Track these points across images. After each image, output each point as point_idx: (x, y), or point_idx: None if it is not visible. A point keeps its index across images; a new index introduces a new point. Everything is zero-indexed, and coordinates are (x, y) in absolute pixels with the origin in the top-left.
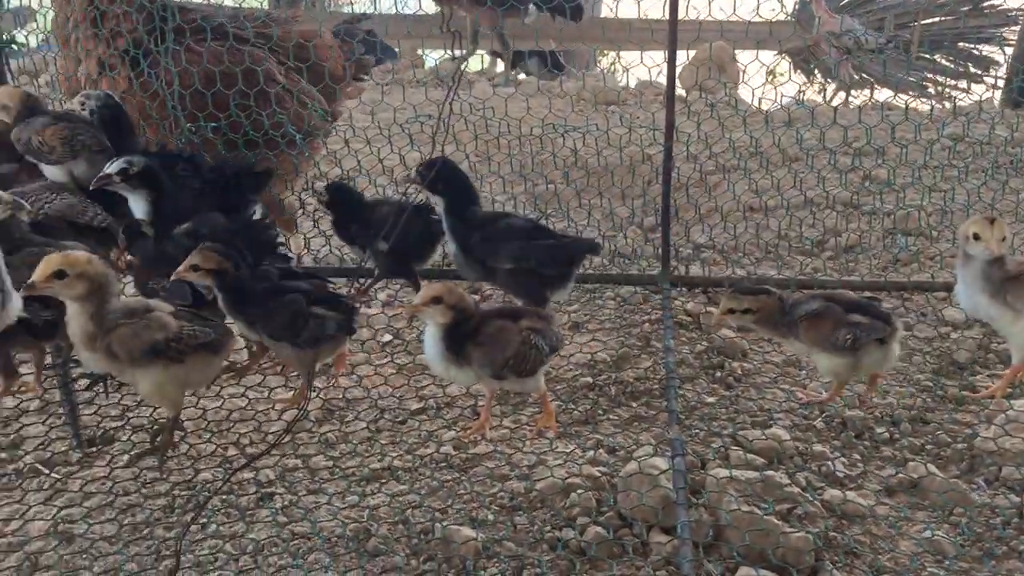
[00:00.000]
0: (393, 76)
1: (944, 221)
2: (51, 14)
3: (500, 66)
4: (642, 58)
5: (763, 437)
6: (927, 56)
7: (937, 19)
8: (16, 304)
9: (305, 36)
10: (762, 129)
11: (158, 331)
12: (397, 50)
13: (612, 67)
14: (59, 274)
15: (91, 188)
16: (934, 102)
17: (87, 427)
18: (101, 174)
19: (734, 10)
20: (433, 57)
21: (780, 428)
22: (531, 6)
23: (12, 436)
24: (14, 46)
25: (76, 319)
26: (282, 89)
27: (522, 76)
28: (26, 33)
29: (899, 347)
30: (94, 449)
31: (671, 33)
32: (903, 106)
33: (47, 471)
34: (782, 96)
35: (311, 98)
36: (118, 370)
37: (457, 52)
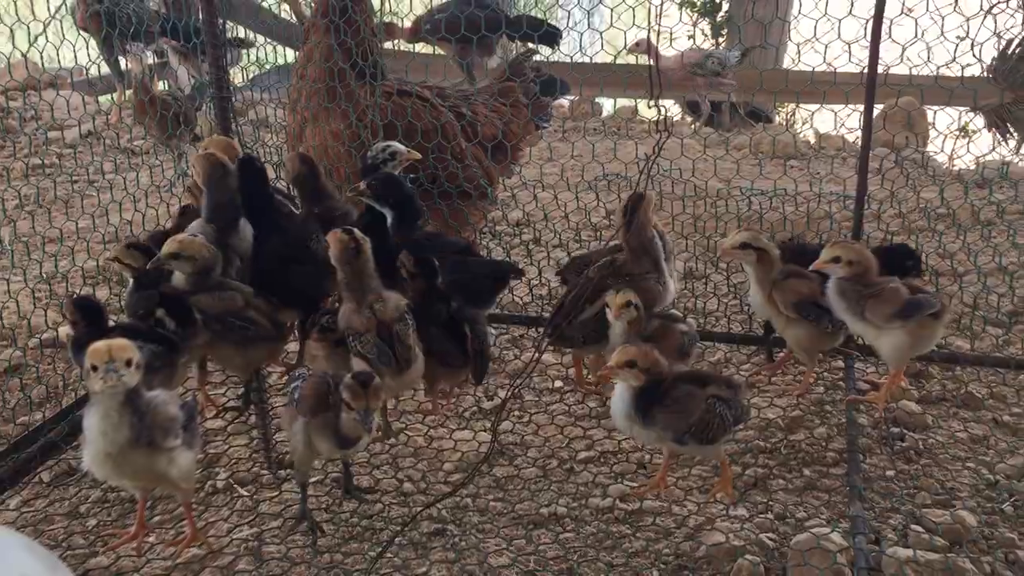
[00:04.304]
0: (572, 122)
1: None
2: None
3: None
4: (835, 117)
5: (946, 517)
6: None
7: None
8: None
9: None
10: (953, 189)
11: None
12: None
13: (791, 119)
14: None
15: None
16: None
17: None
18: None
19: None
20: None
21: (965, 509)
22: (504, 37)
23: (211, 454)
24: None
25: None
26: (474, 146)
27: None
28: (235, 72)
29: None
30: (284, 472)
31: (868, 94)
32: None
33: (242, 490)
34: (981, 157)
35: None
36: None
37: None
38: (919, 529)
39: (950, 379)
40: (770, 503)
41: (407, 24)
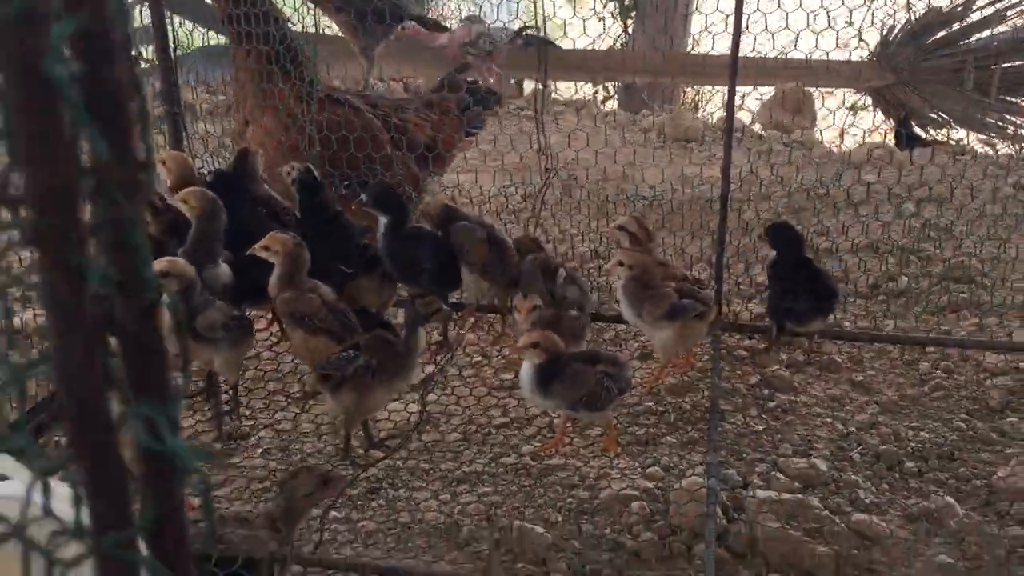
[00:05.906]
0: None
1: (996, 270)
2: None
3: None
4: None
5: (802, 465)
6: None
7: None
8: None
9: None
10: (836, 170)
11: None
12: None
13: (694, 101)
14: None
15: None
16: (1007, 145)
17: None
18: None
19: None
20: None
21: (819, 458)
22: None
23: None
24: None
25: None
26: (399, 153)
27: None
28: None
29: None
30: (234, 443)
31: (731, 75)
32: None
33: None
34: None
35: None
36: None
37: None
38: (780, 476)
39: (815, 346)
40: (659, 457)
41: None
